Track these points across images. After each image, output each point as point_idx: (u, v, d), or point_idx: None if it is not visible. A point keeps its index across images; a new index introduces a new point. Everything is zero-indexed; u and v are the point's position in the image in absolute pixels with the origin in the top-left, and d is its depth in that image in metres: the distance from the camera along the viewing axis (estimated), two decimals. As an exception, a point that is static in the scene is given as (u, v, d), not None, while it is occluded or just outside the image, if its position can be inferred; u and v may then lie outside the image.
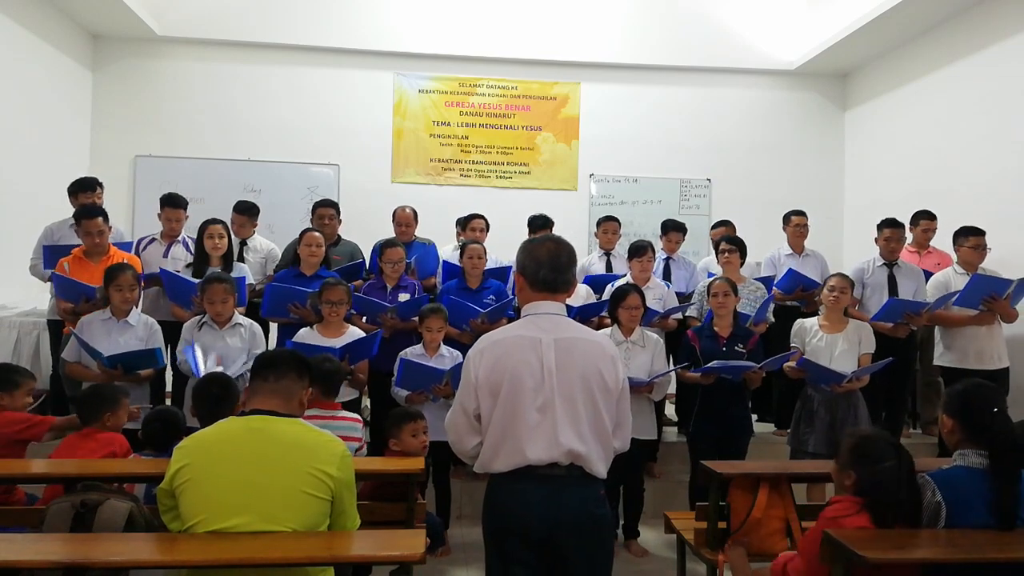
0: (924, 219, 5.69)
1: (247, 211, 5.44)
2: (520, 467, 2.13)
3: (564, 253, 2.28)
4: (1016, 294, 4.80)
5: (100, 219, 4.59)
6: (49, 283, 5.00)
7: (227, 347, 4.13)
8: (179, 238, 5.20)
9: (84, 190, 5.05)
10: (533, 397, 2.13)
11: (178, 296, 4.62)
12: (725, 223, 6.32)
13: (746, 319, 4.69)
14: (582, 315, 4.65)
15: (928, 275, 5.25)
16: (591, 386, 2.17)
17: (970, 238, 5.03)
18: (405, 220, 5.69)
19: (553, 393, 2.13)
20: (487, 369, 2.18)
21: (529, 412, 2.12)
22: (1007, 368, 4.97)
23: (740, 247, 5.20)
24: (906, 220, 5.52)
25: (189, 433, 2.27)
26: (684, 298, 5.41)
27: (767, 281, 5.42)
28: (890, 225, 5.23)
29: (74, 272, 4.51)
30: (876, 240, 5.28)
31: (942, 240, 5.50)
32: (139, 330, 4.24)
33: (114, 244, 4.80)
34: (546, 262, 2.25)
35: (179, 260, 5.04)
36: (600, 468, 2.18)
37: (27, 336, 5.43)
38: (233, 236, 5.28)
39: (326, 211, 5.48)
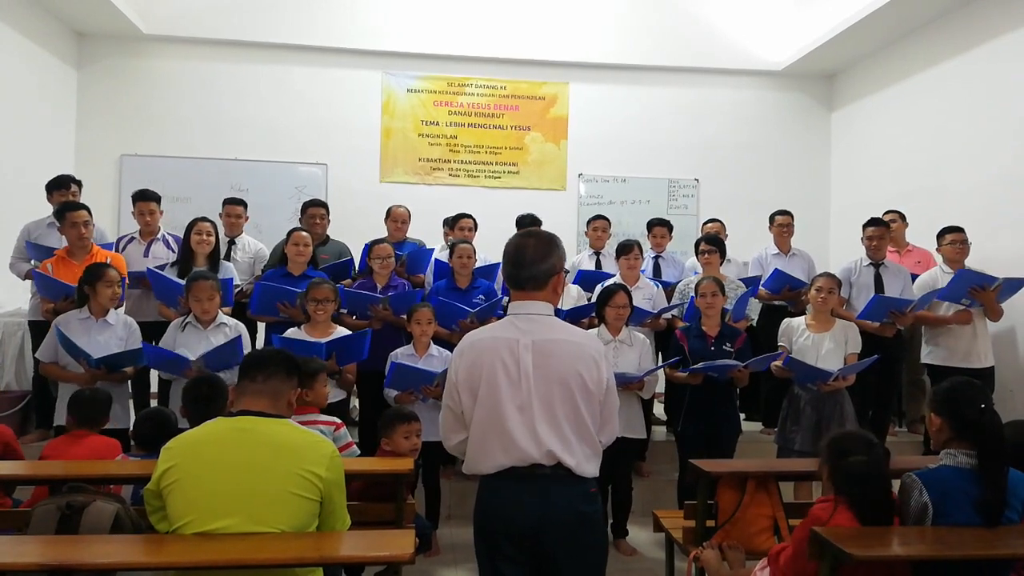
0: (885, 214, 5.82)
1: (239, 202, 5.52)
2: (504, 468, 2.12)
3: (530, 248, 2.19)
4: (1003, 292, 4.85)
5: (84, 211, 4.58)
6: (30, 282, 4.97)
7: (211, 347, 4.08)
8: (159, 236, 5.18)
9: (59, 188, 5.08)
10: (511, 399, 2.11)
11: (165, 295, 4.59)
12: (716, 221, 6.34)
13: (724, 314, 4.71)
14: (571, 317, 4.65)
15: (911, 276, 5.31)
16: (571, 388, 2.13)
17: (948, 235, 5.14)
18: (401, 217, 5.70)
19: (531, 396, 2.11)
20: (465, 371, 2.17)
21: (508, 414, 2.10)
22: (992, 367, 5.03)
23: (719, 247, 5.22)
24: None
25: (180, 434, 2.26)
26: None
27: (754, 281, 5.45)
28: (874, 224, 5.29)
29: (57, 272, 4.48)
30: (862, 240, 5.33)
31: (928, 241, 5.55)
32: (119, 329, 4.20)
33: (96, 244, 4.77)
34: (510, 258, 2.21)
35: (160, 259, 5.00)
36: (586, 467, 2.16)
37: (11, 337, 5.38)
38: (223, 234, 5.27)
39: (317, 211, 5.48)
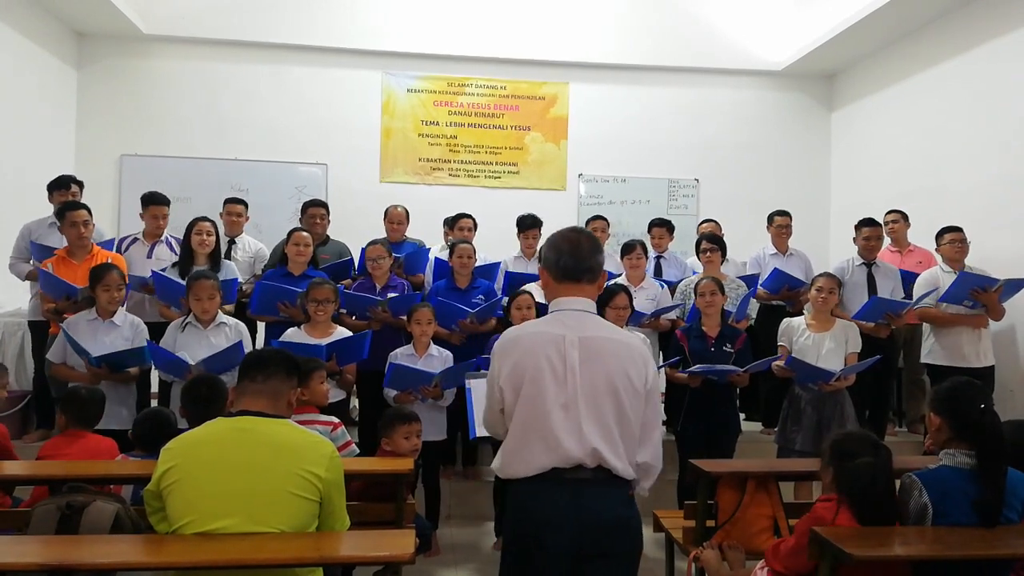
0: (888, 215, 5.83)
1: (240, 202, 5.53)
2: (545, 470, 2.04)
3: (586, 242, 2.19)
4: (1004, 294, 4.86)
5: (84, 211, 4.58)
6: (29, 283, 4.97)
7: (212, 347, 4.06)
8: (162, 238, 5.17)
9: (60, 188, 5.10)
10: (555, 396, 2.04)
11: (168, 297, 4.60)
12: (711, 221, 6.35)
13: (727, 316, 4.72)
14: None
15: (910, 274, 5.32)
16: (617, 387, 2.06)
17: (947, 235, 5.14)
18: (397, 218, 5.69)
19: (576, 393, 2.04)
20: (509, 367, 2.10)
21: (552, 411, 2.03)
22: (992, 367, 5.03)
23: (721, 246, 5.22)
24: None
25: (179, 434, 2.25)
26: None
27: (752, 280, 5.45)
28: (868, 224, 5.30)
29: (57, 271, 4.49)
30: (855, 240, 5.34)
31: (928, 241, 5.55)
32: (125, 330, 4.21)
33: (96, 243, 4.77)
34: (566, 250, 2.17)
35: (163, 260, 4.99)
36: (629, 469, 2.09)
37: (12, 336, 5.37)
38: (223, 234, 5.26)
39: (317, 211, 5.48)
